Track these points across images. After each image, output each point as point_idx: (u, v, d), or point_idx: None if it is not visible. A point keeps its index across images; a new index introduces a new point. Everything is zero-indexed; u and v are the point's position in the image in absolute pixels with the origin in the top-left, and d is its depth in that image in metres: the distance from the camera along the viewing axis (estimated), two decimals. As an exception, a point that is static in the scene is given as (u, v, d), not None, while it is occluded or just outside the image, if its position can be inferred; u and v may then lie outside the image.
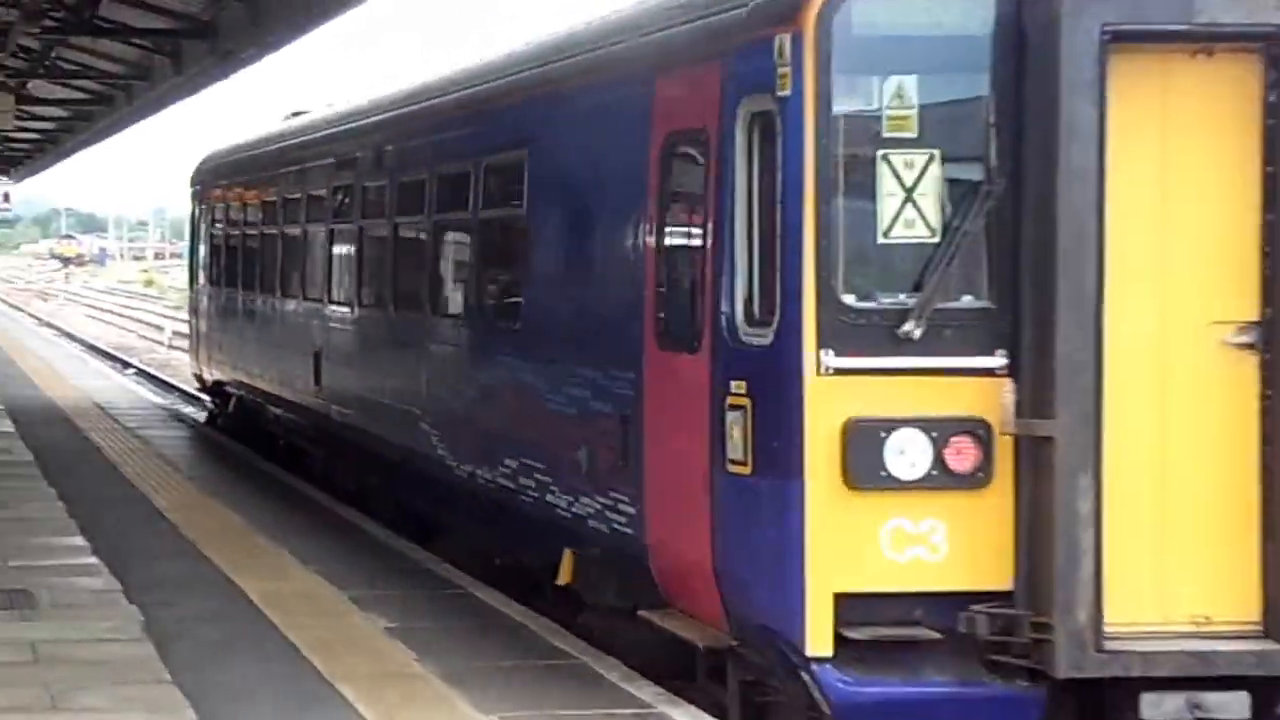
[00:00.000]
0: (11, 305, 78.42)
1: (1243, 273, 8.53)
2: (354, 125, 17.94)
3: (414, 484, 15.03)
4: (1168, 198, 8.61)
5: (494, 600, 12.10)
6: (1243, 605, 8.51)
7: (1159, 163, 8.61)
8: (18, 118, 35.54)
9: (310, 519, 15.76)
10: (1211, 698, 8.45)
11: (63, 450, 20.61)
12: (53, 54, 32.24)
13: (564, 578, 11.42)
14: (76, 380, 31.70)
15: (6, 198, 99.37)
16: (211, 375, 25.28)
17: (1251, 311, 8.54)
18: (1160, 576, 8.58)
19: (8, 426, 23.30)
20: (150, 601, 12.15)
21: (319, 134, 19.63)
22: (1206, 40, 8.46)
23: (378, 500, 16.51)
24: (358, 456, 17.12)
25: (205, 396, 27.53)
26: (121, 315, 71.12)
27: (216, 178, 25.91)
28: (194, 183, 27.67)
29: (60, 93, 37.56)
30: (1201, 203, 8.60)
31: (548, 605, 11.84)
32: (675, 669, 10.11)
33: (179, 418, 24.83)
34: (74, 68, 33.61)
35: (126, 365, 42.78)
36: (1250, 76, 8.54)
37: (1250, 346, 8.56)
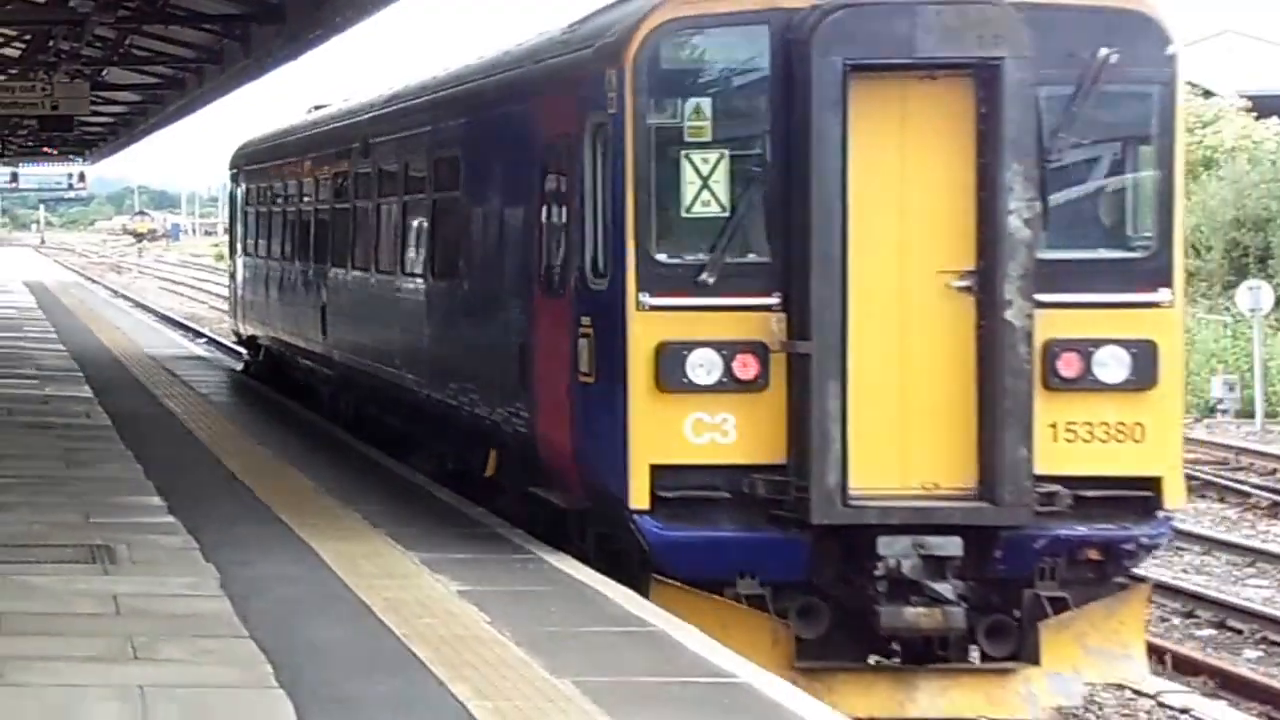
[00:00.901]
0: (88, 278, 78.52)
1: (963, 235, 11.44)
2: (348, 122, 21.18)
3: (392, 407, 18.27)
4: (906, 182, 11.50)
5: (565, 565, 12.23)
6: (964, 476, 11.42)
7: (899, 156, 11.52)
8: (93, 103, 35.51)
9: (381, 484, 15.96)
10: (931, 539, 11.24)
11: (139, 415, 20.86)
12: (127, 42, 32.24)
13: (489, 471, 14.51)
14: (151, 349, 32.04)
15: (81, 178, 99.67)
16: (246, 330, 28.57)
17: (969, 263, 11.46)
18: (900, 454, 11.46)
19: (86, 392, 23.45)
20: (226, 560, 12.25)
21: (324, 128, 22.88)
22: (929, 69, 11.39)
23: (369, 424, 19.57)
24: (353, 390, 20.37)
25: (242, 349, 31.05)
26: (192, 287, 71.40)
27: (248, 163, 28.90)
28: (231, 167, 30.69)
29: (133, 78, 37.49)
30: (932, 185, 11.48)
31: (480, 494, 14.85)
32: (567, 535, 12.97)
33: (248, 386, 24.66)
34: (146, 54, 33.59)
35: (198, 335, 42.80)
36: (965, 94, 11.45)
37: (968, 289, 11.48)
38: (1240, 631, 16.90)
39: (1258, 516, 23.18)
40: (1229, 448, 27.91)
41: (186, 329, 46.02)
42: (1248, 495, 23.97)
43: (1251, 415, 30.88)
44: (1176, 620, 17.54)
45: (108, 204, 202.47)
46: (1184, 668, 15.12)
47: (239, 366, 29.93)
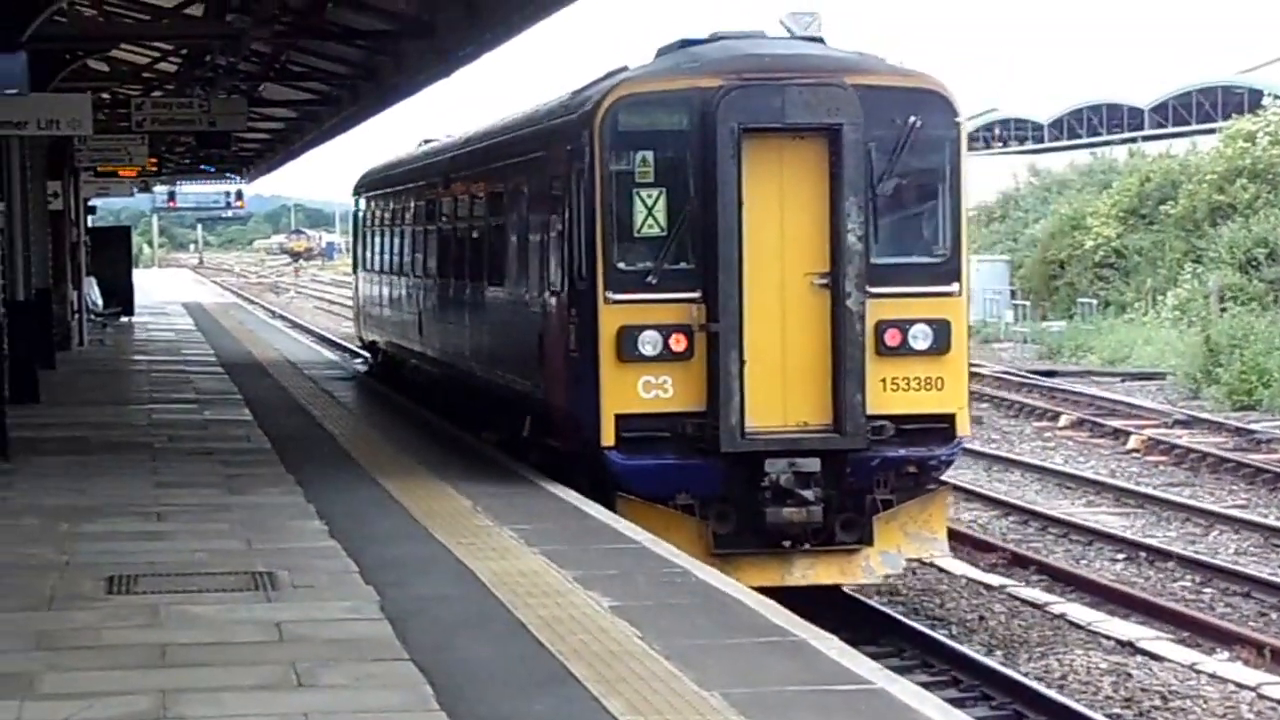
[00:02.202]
0: (246, 298, 79.91)
1: (821, 247, 17.20)
2: (435, 159, 26.97)
3: (467, 391, 24.05)
4: (784, 211, 17.27)
5: (712, 579, 13.67)
6: (823, 416, 17.22)
7: (778, 192, 17.25)
8: (249, 119, 36.28)
9: (532, 501, 17.40)
10: (801, 461, 17.01)
11: (298, 437, 22.18)
12: (282, 57, 33.01)
13: (525, 432, 20.12)
14: (308, 370, 32.93)
15: (239, 196, 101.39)
16: (367, 337, 34.78)
17: (825, 267, 17.23)
18: (781, 401, 17.23)
19: (245, 415, 24.39)
20: (385, 582, 13.14)
21: (420, 162, 28.63)
22: (796, 132, 17.23)
23: (455, 407, 24.97)
24: (442, 380, 26.21)
25: (365, 353, 37.27)
26: (347, 307, 72.02)
27: (367, 189, 34.50)
28: (355, 192, 36.12)
29: (289, 94, 38.27)
30: (801, 212, 17.28)
31: (521, 451, 20.33)
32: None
33: (403, 408, 25.12)
34: (302, 70, 34.38)
35: (354, 354, 43.45)
36: (820, 149, 17.24)
37: (825, 286, 17.24)
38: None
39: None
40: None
41: (343, 349, 46.75)
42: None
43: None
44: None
45: (265, 223, 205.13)
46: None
47: (364, 368, 36.19)
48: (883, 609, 18.41)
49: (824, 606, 17.56)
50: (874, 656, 13.62)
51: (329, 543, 14.78)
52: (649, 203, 17.23)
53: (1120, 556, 22.17)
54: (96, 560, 14.01)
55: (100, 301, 50.98)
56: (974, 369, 45.32)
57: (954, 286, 17.55)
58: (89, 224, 55.62)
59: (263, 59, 34.05)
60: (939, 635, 17.47)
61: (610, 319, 17.15)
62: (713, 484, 17.16)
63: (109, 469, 19.60)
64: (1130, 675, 16.16)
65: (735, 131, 16.92)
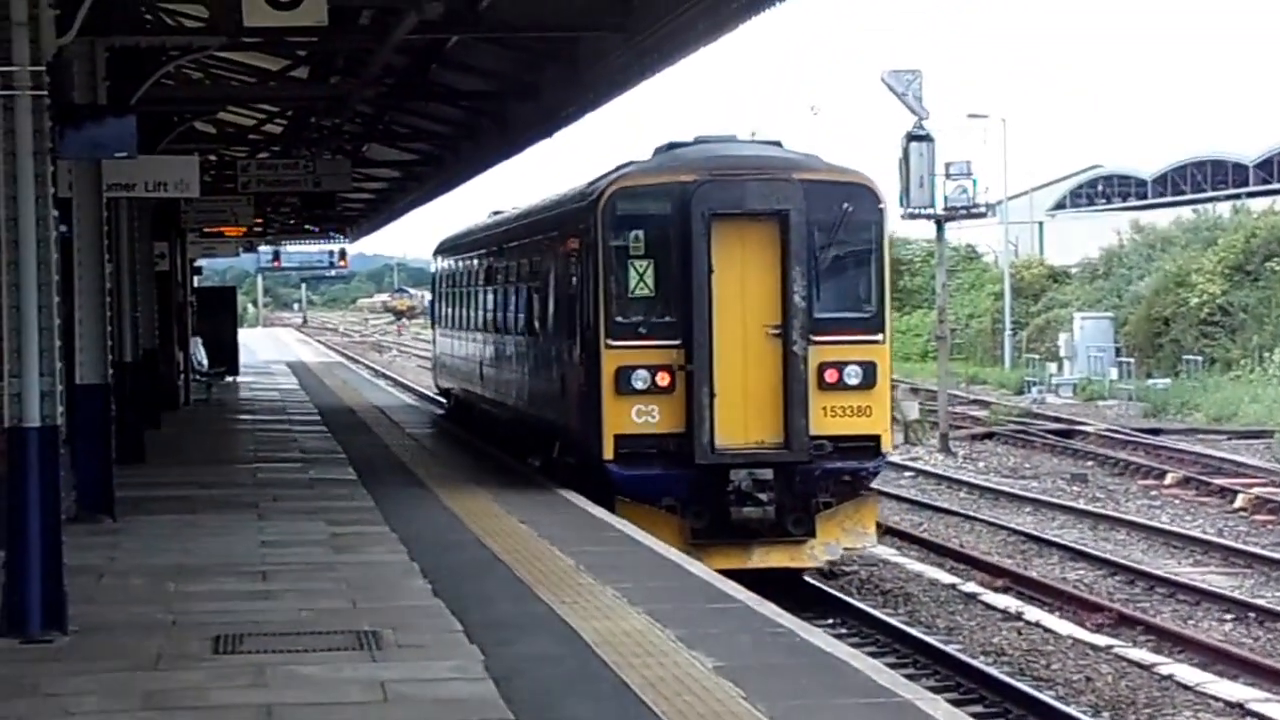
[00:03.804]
0: (349, 357, 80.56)
1: (774, 305, 22.61)
2: (493, 231, 32.49)
3: (515, 426, 29.77)
4: (745, 277, 22.56)
5: (818, 640, 13.65)
6: (775, 436, 22.59)
7: (741, 262, 22.55)
8: (354, 179, 36.57)
9: (636, 559, 18.14)
10: (758, 471, 22.38)
11: (402, 497, 22.94)
12: (386, 118, 33.30)
13: (555, 454, 25.89)
14: (410, 427, 33.34)
15: (342, 255, 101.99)
16: (443, 384, 40.54)
17: (777, 320, 22.64)
18: (743, 424, 22.49)
19: (350, 474, 24.74)
20: (489, 641, 13.55)
21: (481, 233, 34.05)
22: (754, 216, 22.80)
23: (508, 441, 30.12)
24: (499, 418, 31.69)
25: (441, 399, 42.94)
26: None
27: (442, 255, 39.80)
28: (433, 256, 41.75)
29: (392, 154, 38.56)
30: (758, 278, 22.59)
31: (551, 469, 26.45)
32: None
33: (507, 466, 25.20)
34: (405, 130, 34.69)
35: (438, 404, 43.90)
36: (773, 229, 22.73)
37: (778, 335, 22.70)
38: None
39: None
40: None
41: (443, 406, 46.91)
42: None
43: None
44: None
45: (368, 281, 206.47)
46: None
47: (440, 412, 41.79)
48: (986, 668, 19.07)
49: (925, 669, 17.66)
50: (979, 718, 13.61)
51: (433, 602, 15.38)
52: (640, 270, 22.40)
53: (1229, 616, 23.10)
54: (203, 620, 14.56)
55: (206, 361, 51.70)
56: (1079, 427, 45.42)
57: (879, 336, 23.10)
58: (195, 284, 56.13)
59: (367, 120, 34.65)
60: (1044, 696, 17.66)
61: (610, 361, 22.53)
62: (690, 489, 22.56)
63: (215, 528, 20.55)
64: (1240, 738, 15.99)
65: (706, 216, 22.46)
